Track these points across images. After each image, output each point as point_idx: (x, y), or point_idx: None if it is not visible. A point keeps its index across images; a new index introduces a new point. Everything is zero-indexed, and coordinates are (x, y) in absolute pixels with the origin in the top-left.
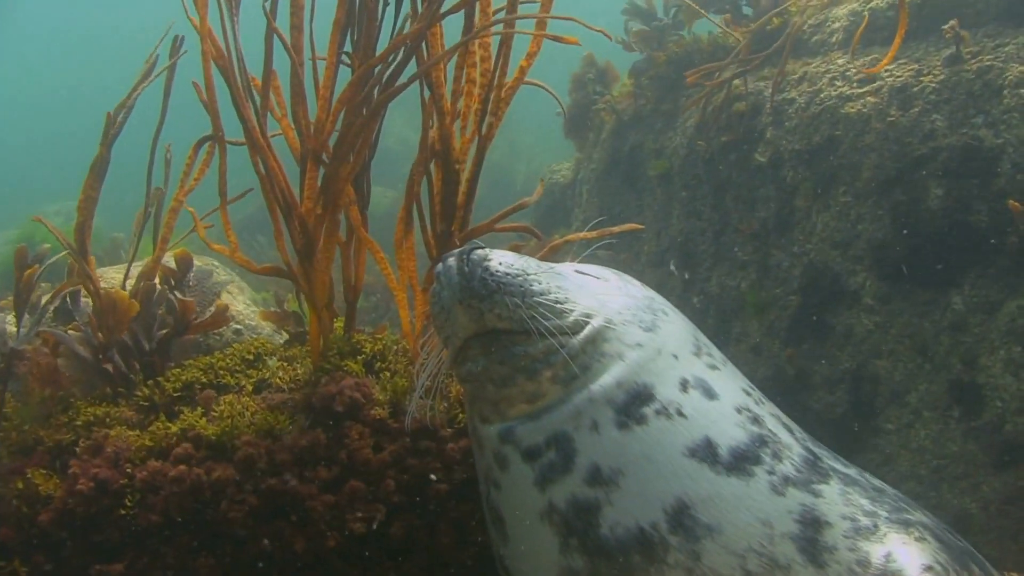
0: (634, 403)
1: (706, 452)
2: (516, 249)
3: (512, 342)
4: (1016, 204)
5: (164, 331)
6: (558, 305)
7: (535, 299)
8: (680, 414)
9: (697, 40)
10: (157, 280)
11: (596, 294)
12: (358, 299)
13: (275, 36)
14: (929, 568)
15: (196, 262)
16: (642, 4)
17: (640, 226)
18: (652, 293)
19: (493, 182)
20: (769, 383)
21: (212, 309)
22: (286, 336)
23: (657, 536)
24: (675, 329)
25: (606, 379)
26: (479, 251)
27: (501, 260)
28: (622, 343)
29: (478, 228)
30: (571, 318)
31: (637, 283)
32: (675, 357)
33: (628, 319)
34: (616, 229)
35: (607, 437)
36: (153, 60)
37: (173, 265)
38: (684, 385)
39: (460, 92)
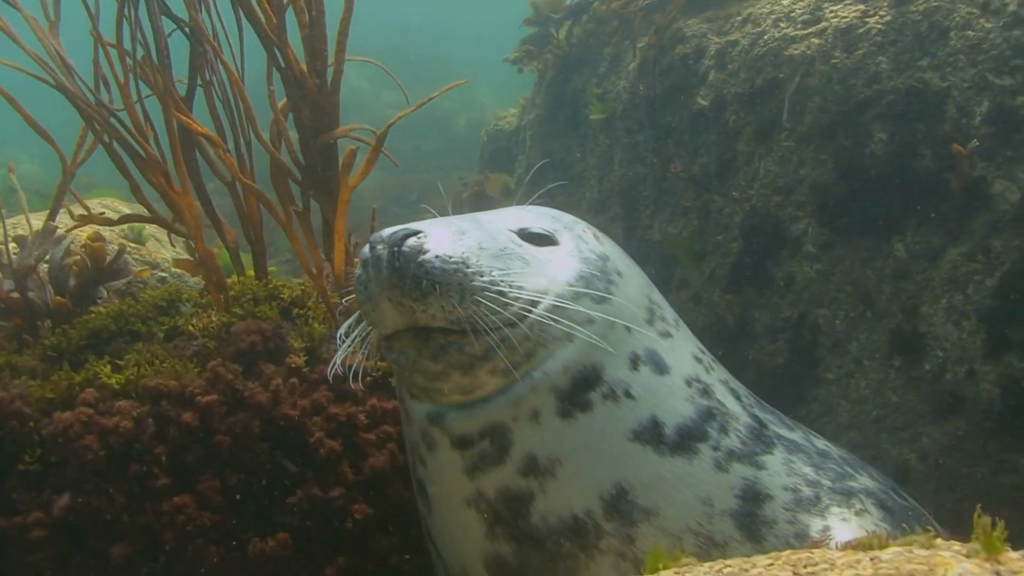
0: (580, 389)
1: (651, 434)
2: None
3: (448, 341)
4: (960, 148)
5: (74, 281)
6: (502, 297)
7: (476, 296)
8: (628, 395)
9: None
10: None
11: (545, 266)
12: (261, 235)
13: None
14: None
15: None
16: None
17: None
18: (607, 249)
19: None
20: (709, 332)
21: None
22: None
23: (591, 523)
24: (630, 292)
25: (551, 365)
26: (412, 240)
27: (438, 252)
28: (572, 321)
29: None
30: (516, 307)
31: (591, 235)
32: (627, 330)
33: (580, 291)
34: None
35: (547, 427)
36: None
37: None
38: (634, 361)
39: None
